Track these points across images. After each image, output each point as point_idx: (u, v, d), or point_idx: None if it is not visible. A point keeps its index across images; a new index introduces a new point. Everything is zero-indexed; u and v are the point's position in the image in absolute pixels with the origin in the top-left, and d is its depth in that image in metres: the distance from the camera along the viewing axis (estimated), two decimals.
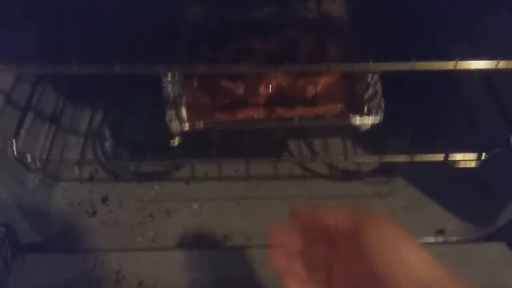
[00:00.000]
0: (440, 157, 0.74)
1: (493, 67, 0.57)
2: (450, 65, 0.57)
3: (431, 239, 0.83)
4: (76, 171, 0.88)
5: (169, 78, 0.73)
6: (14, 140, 0.72)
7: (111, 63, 0.58)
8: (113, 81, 0.94)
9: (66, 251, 0.79)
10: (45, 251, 0.79)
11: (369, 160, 0.88)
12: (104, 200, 0.89)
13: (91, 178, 0.92)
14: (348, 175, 0.91)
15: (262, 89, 0.76)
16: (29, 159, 0.74)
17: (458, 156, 0.75)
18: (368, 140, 0.90)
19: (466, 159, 0.74)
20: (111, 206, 0.88)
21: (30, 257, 0.78)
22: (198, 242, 0.82)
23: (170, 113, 0.71)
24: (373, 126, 0.73)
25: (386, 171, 0.91)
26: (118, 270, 0.76)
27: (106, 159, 0.93)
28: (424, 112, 0.94)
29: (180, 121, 0.71)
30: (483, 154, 0.73)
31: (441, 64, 0.57)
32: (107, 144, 0.95)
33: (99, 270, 0.76)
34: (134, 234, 0.83)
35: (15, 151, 0.72)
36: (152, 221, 0.85)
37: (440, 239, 0.83)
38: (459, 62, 0.56)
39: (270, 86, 0.76)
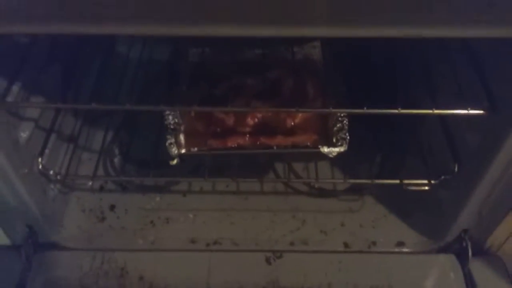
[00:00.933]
0: (396, 182, 0.88)
1: (430, 112, 0.71)
2: (394, 111, 0.70)
3: (393, 249, 0.94)
4: (90, 183, 1.01)
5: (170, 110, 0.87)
6: (39, 158, 0.85)
7: (121, 102, 0.72)
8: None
9: (78, 250, 0.92)
10: (61, 249, 0.92)
11: (339, 181, 1.01)
12: (112, 208, 1.01)
13: (101, 189, 1.04)
14: (324, 193, 1.03)
15: (249, 120, 0.89)
16: (51, 173, 0.88)
17: (412, 181, 0.88)
18: (344, 165, 1.03)
19: (418, 183, 0.88)
20: (118, 213, 1.00)
21: (48, 254, 0.91)
22: (192, 245, 0.94)
23: (169, 140, 0.84)
24: (342, 154, 0.85)
25: (357, 190, 1.03)
26: (123, 266, 0.89)
27: (114, 173, 1.05)
28: (393, 144, 1.07)
29: (178, 146, 0.85)
30: (432, 181, 0.86)
31: (386, 111, 0.70)
32: (116, 160, 1.07)
33: (106, 266, 0.89)
34: (137, 237, 0.95)
35: (40, 166, 0.86)
36: (153, 227, 0.97)
37: (400, 249, 0.94)
38: (401, 110, 0.69)
39: (256, 117, 0.90)
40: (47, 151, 0.88)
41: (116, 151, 1.08)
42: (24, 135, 0.81)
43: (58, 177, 0.89)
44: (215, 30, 0.56)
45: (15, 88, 0.76)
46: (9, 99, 0.74)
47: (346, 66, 0.96)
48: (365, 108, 0.70)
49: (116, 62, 1.12)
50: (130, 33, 0.59)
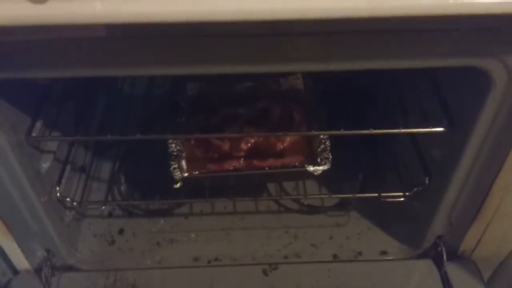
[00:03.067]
0: (374, 195, 0.99)
1: (397, 131, 0.83)
2: (366, 131, 0.82)
3: (377, 258, 1.04)
4: (102, 208, 1.10)
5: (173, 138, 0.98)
6: (57, 187, 0.95)
7: (131, 132, 0.83)
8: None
9: (92, 271, 1.01)
10: (76, 271, 1.01)
11: (324, 196, 1.11)
12: (121, 231, 1.10)
13: (110, 215, 1.13)
14: (313, 210, 1.13)
15: (243, 145, 1.00)
16: (67, 200, 0.98)
17: (388, 194, 0.99)
18: (329, 183, 1.14)
19: (394, 195, 0.98)
20: (126, 237, 1.09)
21: (65, 276, 0.99)
22: (195, 263, 1.03)
23: (173, 165, 0.95)
24: (330, 172, 0.96)
25: (343, 205, 1.13)
26: (133, 283, 0.98)
27: (122, 200, 1.15)
28: (373, 162, 1.19)
29: (181, 170, 0.95)
30: (406, 193, 0.97)
31: (360, 132, 0.82)
32: (123, 188, 1.17)
33: (119, 284, 0.98)
34: (145, 258, 1.04)
35: (58, 194, 0.95)
36: (159, 247, 1.06)
37: (383, 258, 1.04)
38: (372, 130, 0.81)
39: (249, 143, 1.01)
40: (63, 180, 0.97)
41: (123, 179, 1.18)
42: (45, 165, 0.91)
43: (74, 203, 0.99)
44: (215, 69, 0.68)
45: (38, 124, 0.87)
46: (33, 134, 0.85)
47: (326, 94, 1.08)
48: (342, 129, 0.82)
49: (120, 98, 1.24)
50: (138, 74, 0.70)
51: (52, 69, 0.68)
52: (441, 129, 0.82)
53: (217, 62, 0.67)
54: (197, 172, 0.95)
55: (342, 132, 0.82)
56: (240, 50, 0.65)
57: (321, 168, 0.94)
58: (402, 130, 0.83)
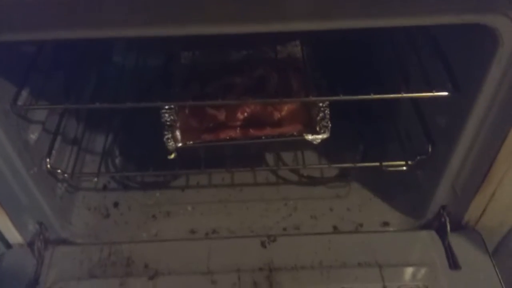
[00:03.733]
0: (376, 164, 0.95)
1: (399, 96, 0.79)
2: (367, 96, 0.78)
3: (379, 229, 1.02)
4: (95, 180, 1.08)
5: (166, 108, 0.95)
6: (47, 159, 0.92)
7: (122, 101, 0.80)
8: (121, 110, 1.16)
9: (86, 244, 0.99)
10: (69, 244, 0.99)
11: (324, 166, 1.08)
12: (116, 205, 1.07)
13: (105, 188, 1.11)
14: (313, 181, 1.11)
15: (239, 115, 0.97)
16: (59, 172, 0.96)
17: (390, 163, 0.96)
18: (329, 154, 1.11)
19: (396, 164, 0.95)
20: (121, 210, 1.06)
21: (59, 249, 0.97)
22: (192, 235, 1.01)
23: (167, 135, 0.92)
24: (330, 141, 0.93)
25: (343, 176, 1.11)
26: (128, 256, 0.96)
27: (116, 172, 1.13)
28: (374, 132, 1.15)
29: (174, 140, 0.92)
30: (409, 162, 0.94)
31: (360, 97, 0.78)
32: (117, 160, 1.14)
33: (114, 257, 0.96)
34: (140, 231, 1.02)
35: (48, 166, 0.93)
36: (155, 220, 1.04)
37: (385, 229, 1.01)
38: (373, 95, 0.77)
39: (246, 112, 0.98)
40: (54, 152, 0.95)
41: (117, 152, 1.15)
42: (33, 136, 0.88)
43: (66, 175, 0.96)
44: (205, 30, 0.64)
45: (24, 93, 0.84)
46: (19, 103, 0.81)
47: (326, 62, 1.04)
48: (341, 95, 0.78)
49: (112, 70, 1.20)
50: (130, 35, 0.66)
51: (41, 30, 0.64)
52: (445, 93, 0.79)
53: (211, 21, 0.64)
54: (191, 142, 0.92)
55: (342, 97, 0.79)
56: (236, 6, 0.61)
57: (320, 136, 0.91)
58: (404, 95, 0.80)
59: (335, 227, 1.03)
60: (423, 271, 0.93)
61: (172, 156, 0.92)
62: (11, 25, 0.63)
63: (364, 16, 0.64)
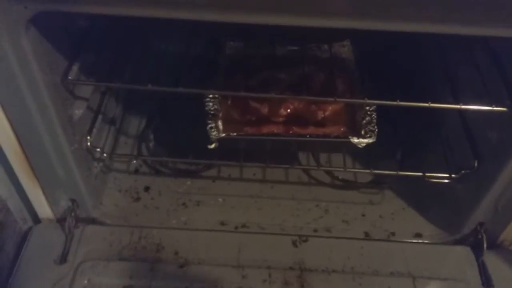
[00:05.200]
0: (418, 174, 0.94)
1: (457, 107, 0.77)
2: (425, 104, 0.76)
3: (411, 240, 0.99)
4: (133, 162, 1.07)
5: (210, 97, 0.94)
6: (88, 136, 0.92)
7: (175, 85, 0.78)
8: (159, 95, 1.15)
9: (116, 225, 0.98)
10: (99, 224, 0.98)
11: (365, 172, 1.06)
12: (147, 189, 1.06)
13: (136, 171, 1.10)
14: (346, 184, 1.09)
15: (282, 111, 0.96)
16: (97, 150, 0.95)
17: (433, 174, 0.94)
18: (367, 158, 1.08)
19: (439, 176, 0.93)
20: (152, 194, 1.05)
21: (89, 228, 0.97)
22: (221, 227, 1.00)
23: (210, 124, 0.90)
24: (369, 146, 0.91)
25: (377, 183, 1.09)
26: (158, 242, 0.95)
27: (151, 156, 1.12)
28: (413, 140, 1.13)
29: (217, 130, 0.91)
30: (453, 175, 0.92)
31: (417, 104, 0.77)
32: (151, 145, 1.13)
33: (144, 241, 0.95)
34: (170, 218, 1.01)
35: (89, 144, 0.92)
36: (185, 208, 1.03)
37: (417, 240, 0.99)
38: (431, 103, 0.75)
39: (289, 108, 0.96)
40: (94, 130, 0.94)
41: (151, 136, 1.14)
42: (78, 112, 0.87)
43: (104, 155, 0.95)
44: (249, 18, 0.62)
45: (75, 68, 0.83)
46: (69, 77, 0.80)
47: (373, 65, 1.02)
48: (398, 100, 0.76)
49: (153, 56, 1.19)
50: (181, 17, 0.64)
51: (94, 4, 0.63)
52: (504, 109, 0.76)
53: (255, 10, 0.62)
54: (234, 134, 0.91)
55: (398, 103, 0.76)
56: None
57: (365, 140, 0.89)
58: (463, 107, 0.77)
59: (366, 233, 1.01)
60: (456, 286, 0.91)
61: (213, 146, 0.91)
62: None
63: (421, 20, 0.62)
